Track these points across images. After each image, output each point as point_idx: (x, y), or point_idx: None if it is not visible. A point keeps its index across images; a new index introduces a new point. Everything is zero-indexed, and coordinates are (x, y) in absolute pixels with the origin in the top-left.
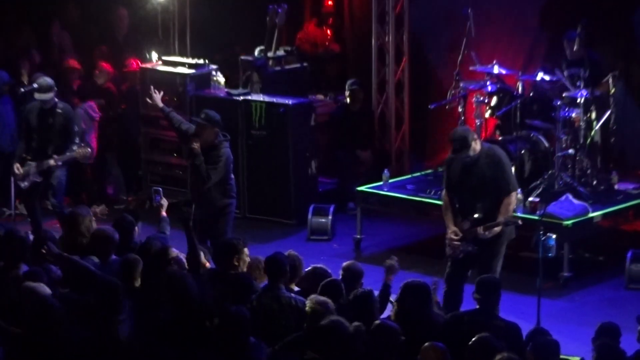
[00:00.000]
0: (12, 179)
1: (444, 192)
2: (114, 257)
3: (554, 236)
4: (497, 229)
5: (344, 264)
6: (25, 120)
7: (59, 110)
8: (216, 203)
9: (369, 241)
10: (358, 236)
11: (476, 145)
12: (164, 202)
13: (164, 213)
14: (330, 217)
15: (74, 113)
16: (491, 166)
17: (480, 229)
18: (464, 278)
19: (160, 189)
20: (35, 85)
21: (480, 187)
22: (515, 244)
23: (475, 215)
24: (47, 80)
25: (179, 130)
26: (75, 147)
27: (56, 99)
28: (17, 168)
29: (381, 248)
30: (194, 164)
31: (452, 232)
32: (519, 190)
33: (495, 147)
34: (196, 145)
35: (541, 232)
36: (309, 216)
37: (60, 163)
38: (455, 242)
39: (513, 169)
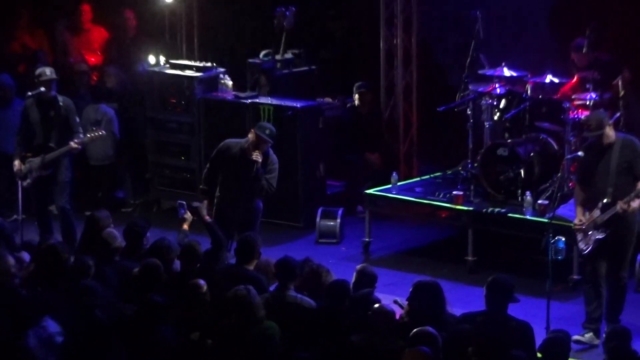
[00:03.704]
0: (20, 182)
1: (576, 185)
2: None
3: (563, 239)
4: (635, 204)
5: (358, 266)
6: (24, 116)
7: (60, 103)
8: (255, 206)
9: (377, 244)
10: (366, 239)
11: (611, 132)
12: (188, 217)
13: (185, 226)
14: (338, 220)
15: (74, 105)
16: (628, 152)
17: (619, 204)
18: (601, 274)
19: (185, 202)
20: (42, 89)
21: (615, 172)
22: (524, 247)
23: (605, 201)
24: (47, 67)
25: None
26: (87, 134)
27: (55, 92)
28: (18, 164)
29: (390, 251)
30: (250, 175)
31: (578, 220)
32: (528, 193)
33: (631, 136)
34: (260, 158)
35: (551, 235)
36: (317, 219)
37: (81, 147)
38: (583, 229)
39: (522, 171)
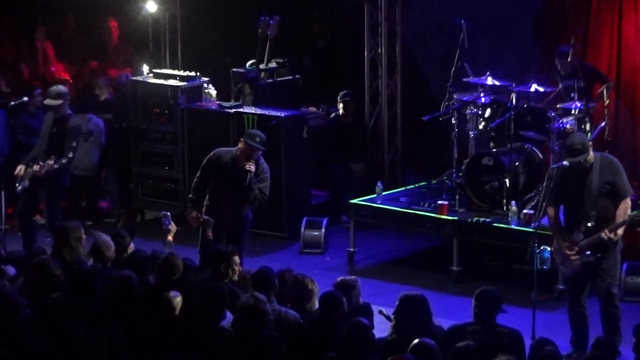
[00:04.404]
0: (3, 192)
1: (549, 207)
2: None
3: (548, 248)
4: (621, 231)
5: (339, 279)
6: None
7: (67, 125)
8: (245, 216)
9: (362, 254)
10: (351, 249)
11: (592, 152)
12: (172, 228)
13: (170, 238)
14: (323, 230)
15: (78, 130)
16: (609, 172)
17: (605, 233)
18: (585, 296)
19: (169, 213)
20: (25, 99)
21: (597, 194)
22: (509, 256)
23: (589, 224)
24: (59, 87)
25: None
26: (49, 161)
27: (70, 111)
28: (20, 169)
29: (374, 261)
30: (241, 185)
31: (567, 246)
32: (513, 202)
33: (609, 154)
34: (253, 168)
35: (536, 245)
36: (302, 229)
37: (43, 172)
38: (573, 256)
39: (507, 181)
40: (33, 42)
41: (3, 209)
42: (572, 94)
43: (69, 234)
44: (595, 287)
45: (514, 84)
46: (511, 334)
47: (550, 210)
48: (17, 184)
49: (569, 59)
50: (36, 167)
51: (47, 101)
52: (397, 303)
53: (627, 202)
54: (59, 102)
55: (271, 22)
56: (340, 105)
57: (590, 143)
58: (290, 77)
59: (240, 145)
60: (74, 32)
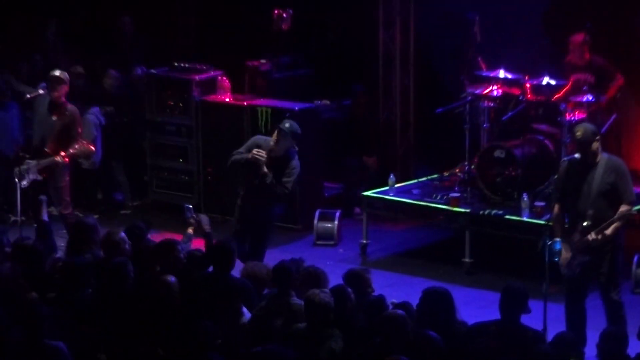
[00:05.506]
0: (18, 184)
1: (554, 204)
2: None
3: (559, 240)
4: (609, 231)
5: (348, 270)
6: (33, 111)
7: (67, 112)
8: (272, 209)
9: (375, 246)
10: (364, 241)
11: (598, 148)
12: (193, 222)
13: (190, 230)
14: (336, 222)
15: (81, 117)
16: (612, 173)
17: (591, 235)
18: (585, 296)
19: (192, 207)
20: (40, 92)
21: (597, 194)
22: (521, 248)
23: (585, 224)
24: (64, 73)
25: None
26: (76, 145)
27: (64, 99)
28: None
29: (387, 253)
30: (265, 182)
31: (565, 252)
32: (525, 195)
33: (617, 157)
34: (260, 156)
35: (547, 237)
36: (315, 221)
37: (66, 161)
38: (568, 257)
39: (519, 173)
40: (45, 36)
41: (19, 201)
42: (584, 87)
43: (84, 228)
44: (596, 287)
45: (526, 77)
46: (535, 336)
47: (555, 207)
48: (20, 180)
49: (580, 53)
50: (58, 159)
51: (55, 76)
52: (420, 296)
53: (627, 208)
54: (64, 80)
55: (285, 15)
56: (353, 99)
57: (597, 138)
58: (303, 70)
59: (274, 135)
60: (87, 26)
